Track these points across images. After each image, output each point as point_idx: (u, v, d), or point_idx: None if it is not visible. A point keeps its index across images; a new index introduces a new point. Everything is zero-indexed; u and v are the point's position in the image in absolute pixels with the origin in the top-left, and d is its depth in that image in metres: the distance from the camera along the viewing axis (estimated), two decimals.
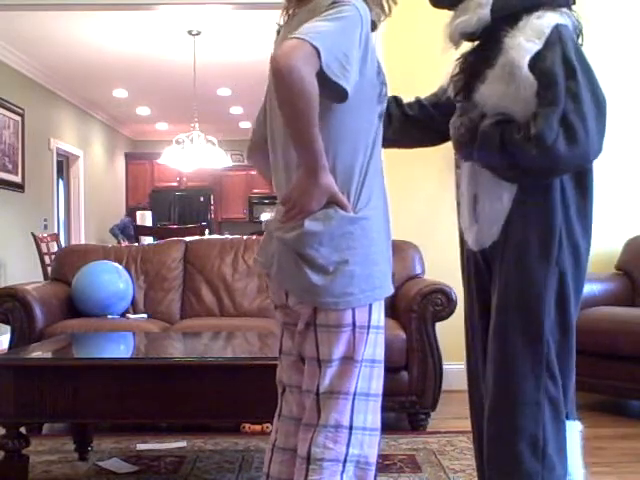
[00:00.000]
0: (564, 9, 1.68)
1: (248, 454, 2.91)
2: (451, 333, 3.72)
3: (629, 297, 3.97)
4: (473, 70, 1.74)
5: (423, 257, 3.88)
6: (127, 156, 12.03)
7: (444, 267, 3.98)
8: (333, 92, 1.44)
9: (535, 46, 1.59)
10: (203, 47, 6.75)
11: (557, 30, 1.59)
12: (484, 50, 1.73)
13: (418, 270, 3.83)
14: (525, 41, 1.60)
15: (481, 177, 1.74)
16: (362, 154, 1.54)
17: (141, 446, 3.01)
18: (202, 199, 11.89)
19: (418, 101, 1.98)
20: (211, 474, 2.69)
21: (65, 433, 3.16)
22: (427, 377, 3.30)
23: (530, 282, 1.68)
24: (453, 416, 3.53)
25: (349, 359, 1.54)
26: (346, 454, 1.52)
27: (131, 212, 11.15)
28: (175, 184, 12.03)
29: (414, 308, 3.32)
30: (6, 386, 2.33)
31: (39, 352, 2.67)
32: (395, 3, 1.63)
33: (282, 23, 1.68)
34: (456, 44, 1.81)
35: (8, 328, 3.46)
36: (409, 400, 3.29)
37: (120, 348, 3.11)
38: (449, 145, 1.86)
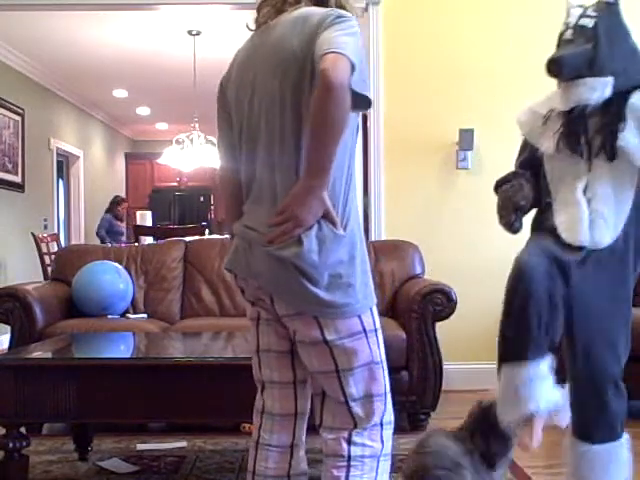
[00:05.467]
0: None
1: (248, 454, 2.90)
2: (451, 333, 3.73)
3: None
4: (605, 126, 1.99)
5: (423, 257, 3.88)
6: (127, 156, 12.03)
7: (444, 267, 4.00)
8: (357, 104, 1.45)
9: None
10: (203, 47, 6.75)
11: None
12: (604, 111, 1.99)
13: (418, 270, 3.83)
14: None
15: (604, 181, 2.00)
16: (347, 167, 1.55)
17: (141, 446, 3.01)
18: (202, 199, 11.89)
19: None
20: (211, 474, 2.69)
21: (65, 433, 3.16)
22: (427, 377, 3.30)
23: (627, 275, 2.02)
24: (453, 416, 3.52)
25: (371, 363, 1.60)
26: (380, 449, 1.64)
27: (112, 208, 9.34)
28: (175, 184, 12.04)
29: (414, 308, 3.31)
30: (6, 386, 2.33)
31: (39, 352, 2.66)
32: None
33: (253, 28, 1.70)
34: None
35: (8, 328, 3.46)
36: (409, 400, 3.29)
37: (120, 348, 3.11)
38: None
